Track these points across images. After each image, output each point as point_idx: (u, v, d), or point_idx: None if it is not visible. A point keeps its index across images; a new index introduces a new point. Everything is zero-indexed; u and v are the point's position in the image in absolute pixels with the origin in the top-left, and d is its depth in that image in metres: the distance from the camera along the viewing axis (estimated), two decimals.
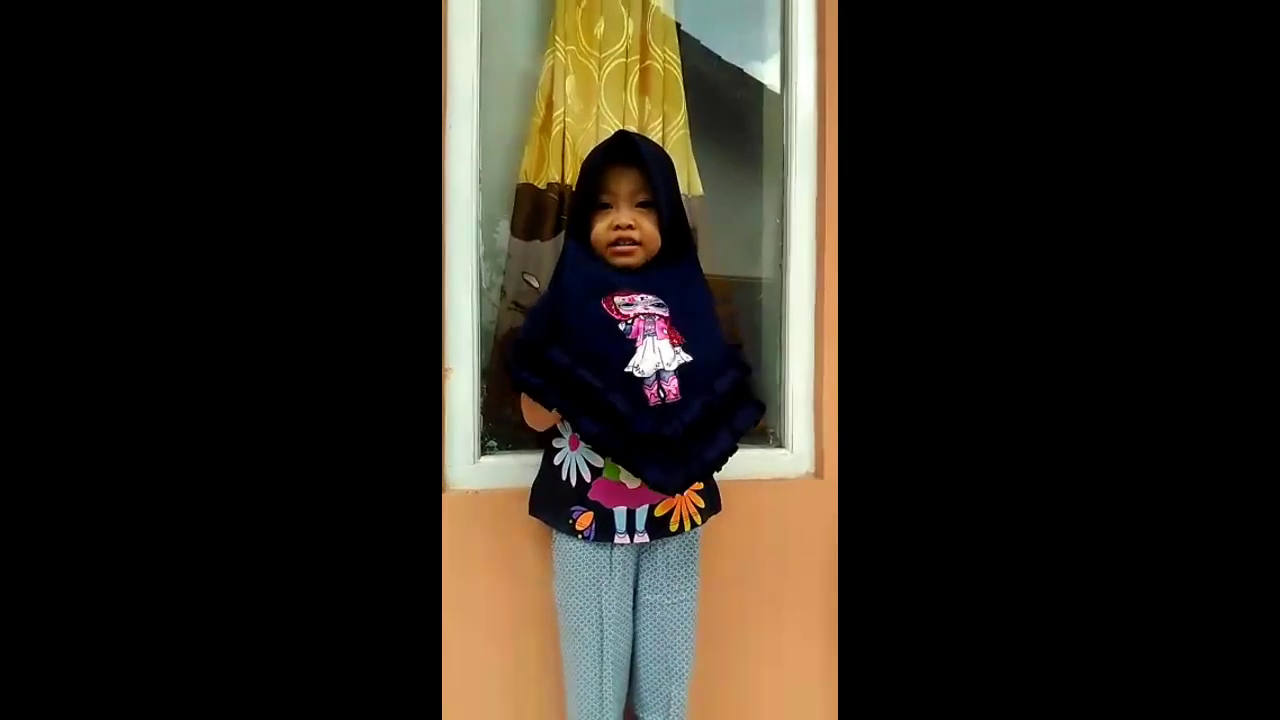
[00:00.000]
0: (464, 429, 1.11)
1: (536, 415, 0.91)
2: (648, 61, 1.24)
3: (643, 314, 0.87)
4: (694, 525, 0.95)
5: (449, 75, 1.10)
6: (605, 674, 0.93)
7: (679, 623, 0.97)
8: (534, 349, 0.86)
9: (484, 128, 1.14)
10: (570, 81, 1.19)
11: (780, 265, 1.32)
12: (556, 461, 0.95)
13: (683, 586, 0.97)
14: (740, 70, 1.42)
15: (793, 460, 1.29)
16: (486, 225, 1.17)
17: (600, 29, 1.21)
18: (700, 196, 1.27)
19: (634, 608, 0.96)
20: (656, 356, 0.84)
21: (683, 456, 0.83)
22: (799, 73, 1.30)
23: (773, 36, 1.36)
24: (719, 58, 1.41)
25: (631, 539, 0.91)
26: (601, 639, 0.92)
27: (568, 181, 1.17)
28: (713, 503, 0.99)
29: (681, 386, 0.83)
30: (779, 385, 1.31)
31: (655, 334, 0.85)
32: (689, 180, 1.25)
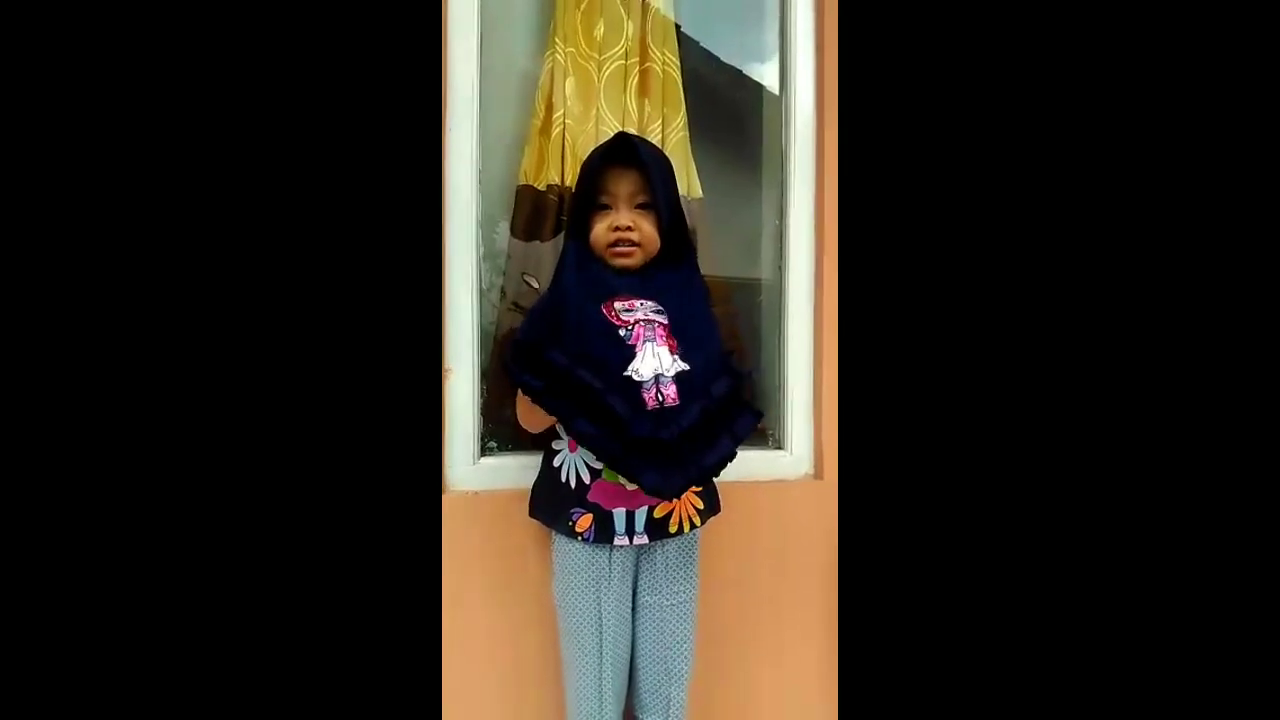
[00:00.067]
0: (464, 430, 1.11)
1: (533, 417, 0.91)
2: (647, 63, 1.24)
3: (642, 320, 0.87)
4: (693, 527, 0.95)
5: (449, 76, 1.10)
6: (604, 675, 0.93)
7: (678, 624, 0.97)
8: (533, 350, 0.86)
9: (484, 129, 1.14)
10: (570, 83, 1.20)
11: (780, 266, 1.32)
12: (556, 463, 0.95)
13: (682, 588, 0.97)
14: (739, 72, 1.43)
15: (792, 462, 1.29)
16: (486, 226, 1.17)
17: (600, 31, 1.21)
18: (700, 199, 1.27)
19: (633, 609, 0.96)
20: (655, 361, 0.84)
21: (679, 461, 0.83)
22: (798, 74, 1.30)
23: (772, 38, 1.36)
24: (718, 59, 1.41)
25: (631, 541, 0.91)
26: (601, 640, 0.92)
27: (567, 183, 1.17)
28: (712, 504, 0.99)
29: (680, 392, 0.84)
30: (778, 387, 1.31)
31: (655, 340, 0.86)
32: (688, 182, 1.25)
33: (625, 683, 0.97)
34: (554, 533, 0.97)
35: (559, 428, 0.94)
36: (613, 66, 1.22)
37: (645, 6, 1.25)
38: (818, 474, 1.29)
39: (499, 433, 1.16)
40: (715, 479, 0.96)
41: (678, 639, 0.97)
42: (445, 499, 1.08)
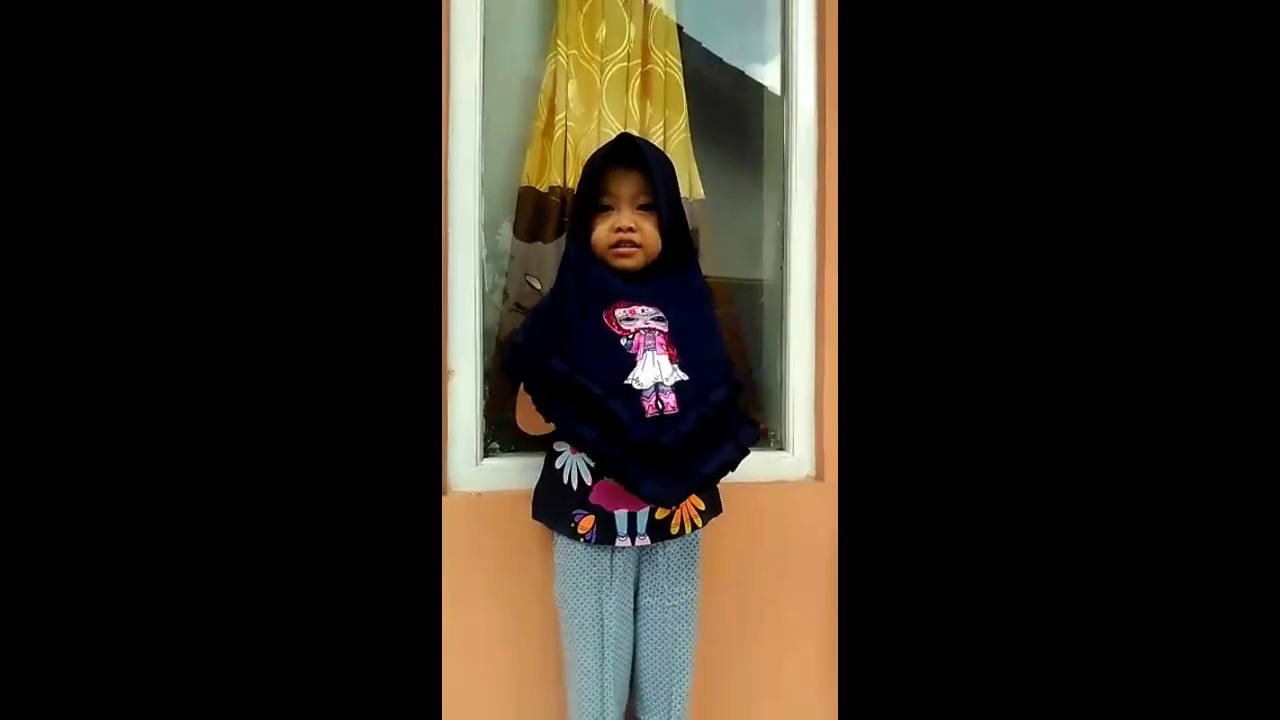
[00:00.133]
0: (466, 431, 1.11)
1: (534, 420, 0.91)
2: (649, 65, 1.25)
3: (643, 329, 0.88)
4: (695, 528, 0.95)
5: (452, 79, 1.11)
6: (606, 676, 0.93)
7: (680, 625, 0.97)
8: (532, 354, 0.87)
9: (486, 131, 1.14)
10: (572, 85, 1.20)
11: (781, 267, 1.32)
12: (558, 465, 0.95)
13: (684, 589, 0.97)
14: (741, 72, 1.43)
15: (793, 463, 1.29)
16: (489, 228, 1.17)
17: (602, 33, 1.22)
18: (701, 199, 1.27)
19: (635, 610, 0.96)
20: (655, 370, 0.85)
21: (680, 469, 0.83)
22: (799, 75, 1.31)
23: (773, 39, 1.36)
24: (720, 60, 1.41)
25: (633, 542, 0.91)
26: (602, 641, 0.93)
27: (569, 185, 1.17)
28: (713, 505, 0.99)
29: (679, 400, 0.84)
30: (780, 387, 1.32)
31: (654, 349, 0.87)
32: (690, 183, 1.25)
33: (627, 684, 0.97)
34: (556, 534, 0.97)
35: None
36: (615, 68, 1.22)
37: (647, 8, 1.25)
38: (819, 475, 1.29)
39: (501, 434, 1.16)
40: None
41: (679, 640, 0.97)
42: (447, 500, 1.08)
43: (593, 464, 0.91)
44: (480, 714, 1.09)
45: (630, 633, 0.96)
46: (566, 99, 1.19)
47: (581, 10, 1.21)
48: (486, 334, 1.15)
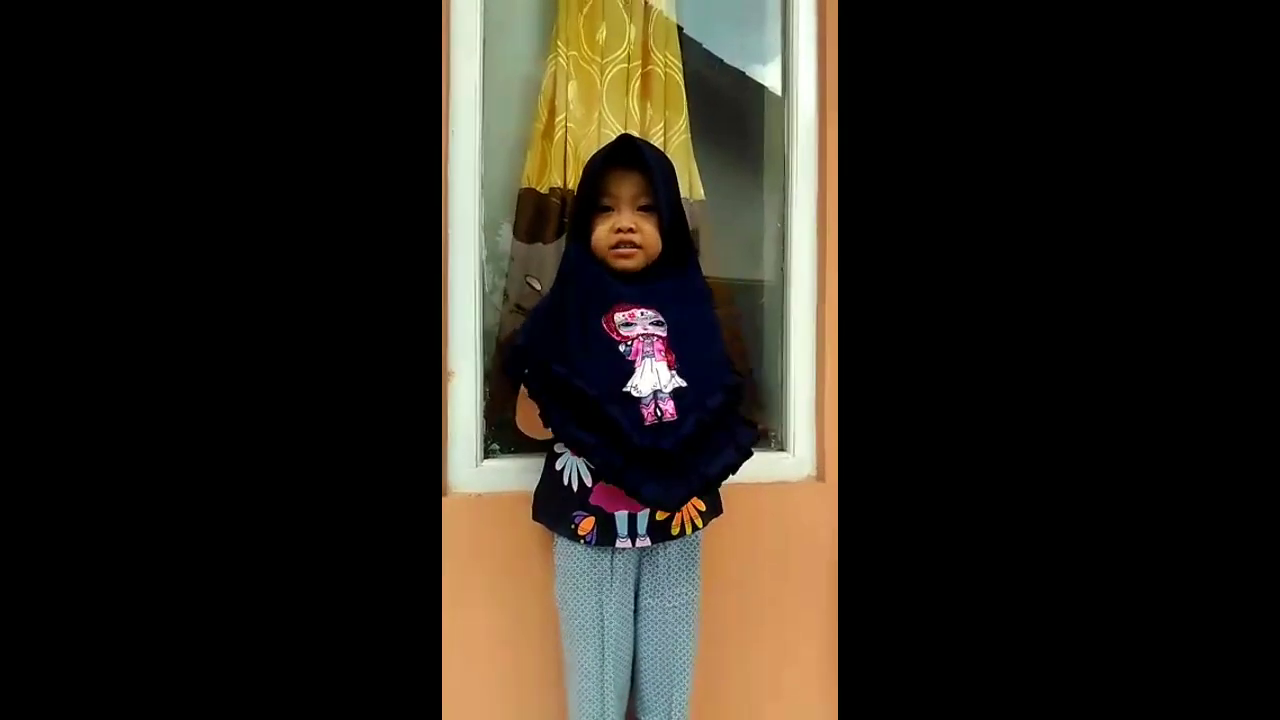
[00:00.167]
0: (466, 433, 1.11)
1: (534, 423, 0.91)
2: (649, 66, 1.25)
3: (641, 335, 0.88)
4: (695, 529, 0.95)
5: (452, 80, 1.11)
6: (606, 678, 0.93)
7: (680, 626, 0.97)
8: (531, 356, 0.88)
9: (486, 132, 1.14)
10: (572, 87, 1.20)
11: (782, 268, 1.32)
12: (558, 466, 0.95)
13: (684, 590, 0.97)
14: (742, 73, 1.43)
15: (794, 463, 1.29)
16: (489, 229, 1.17)
17: (602, 34, 1.22)
18: (702, 200, 1.27)
19: (635, 611, 0.96)
20: (654, 377, 0.85)
21: (680, 471, 0.83)
22: (800, 75, 1.31)
23: (774, 39, 1.36)
24: (720, 60, 1.41)
25: (633, 543, 0.91)
26: (603, 643, 0.93)
27: (570, 186, 1.17)
28: (714, 506, 0.99)
29: (677, 408, 0.84)
30: (780, 388, 1.31)
31: (653, 355, 0.87)
32: (691, 184, 1.25)
33: (627, 685, 0.97)
34: (556, 535, 0.97)
35: None
36: (615, 70, 1.22)
37: (647, 9, 1.25)
38: (820, 476, 1.29)
39: (501, 435, 1.16)
40: None
41: (680, 641, 0.97)
42: (447, 501, 1.08)
43: (593, 466, 0.91)
44: (480, 716, 1.09)
45: (630, 634, 0.95)
46: (567, 100, 1.19)
47: (582, 11, 1.21)
48: (487, 335, 1.15)
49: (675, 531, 0.93)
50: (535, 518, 1.01)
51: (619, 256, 0.92)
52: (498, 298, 1.21)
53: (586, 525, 0.91)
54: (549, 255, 1.18)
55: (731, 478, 0.90)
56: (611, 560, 0.93)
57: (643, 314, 0.90)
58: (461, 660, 1.05)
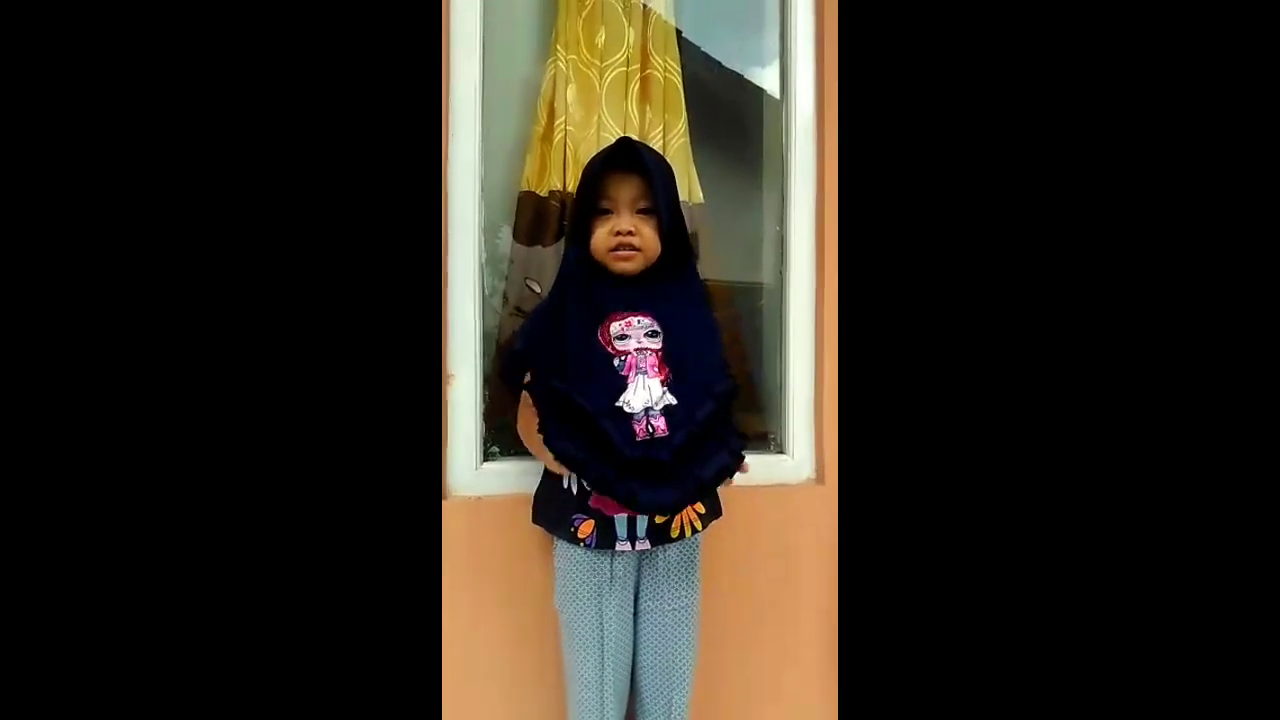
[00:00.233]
0: (466, 435, 1.11)
1: (534, 439, 0.91)
2: (648, 70, 1.25)
3: (636, 350, 0.89)
4: (695, 531, 0.95)
5: (452, 83, 1.11)
6: (606, 680, 0.93)
7: (680, 629, 0.97)
8: (528, 361, 0.90)
9: (486, 135, 1.14)
10: (571, 90, 1.20)
11: (781, 271, 1.32)
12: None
13: (684, 592, 0.97)
14: (740, 76, 1.43)
15: (794, 466, 1.29)
16: (489, 232, 1.17)
17: (601, 38, 1.22)
18: (701, 203, 1.27)
19: (635, 614, 0.96)
20: (646, 394, 0.86)
21: (674, 476, 0.83)
22: (798, 78, 1.31)
23: (772, 42, 1.37)
24: (719, 64, 1.41)
25: (633, 546, 0.91)
26: (602, 646, 0.92)
27: (569, 189, 1.17)
28: (713, 508, 0.99)
29: (669, 424, 0.85)
30: (780, 391, 1.32)
31: (646, 371, 0.88)
32: (690, 188, 1.26)
33: (627, 688, 0.97)
34: (555, 539, 0.97)
35: None
36: (614, 73, 1.22)
37: (646, 12, 1.26)
38: (819, 478, 1.29)
39: (501, 438, 1.16)
40: None
41: (679, 644, 0.97)
42: (446, 504, 1.08)
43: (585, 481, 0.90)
44: (480, 718, 1.09)
45: (630, 637, 0.95)
46: (566, 103, 1.19)
47: (581, 15, 1.21)
48: (486, 338, 1.15)
49: (675, 534, 0.93)
50: (535, 521, 1.00)
51: (618, 259, 0.92)
52: (497, 300, 1.21)
53: (586, 528, 0.91)
54: (548, 258, 1.18)
55: (732, 480, 0.91)
56: (611, 563, 0.93)
57: (639, 322, 0.91)
58: (461, 663, 1.05)
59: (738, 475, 0.90)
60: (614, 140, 0.95)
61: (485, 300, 1.15)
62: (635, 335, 0.90)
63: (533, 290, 1.19)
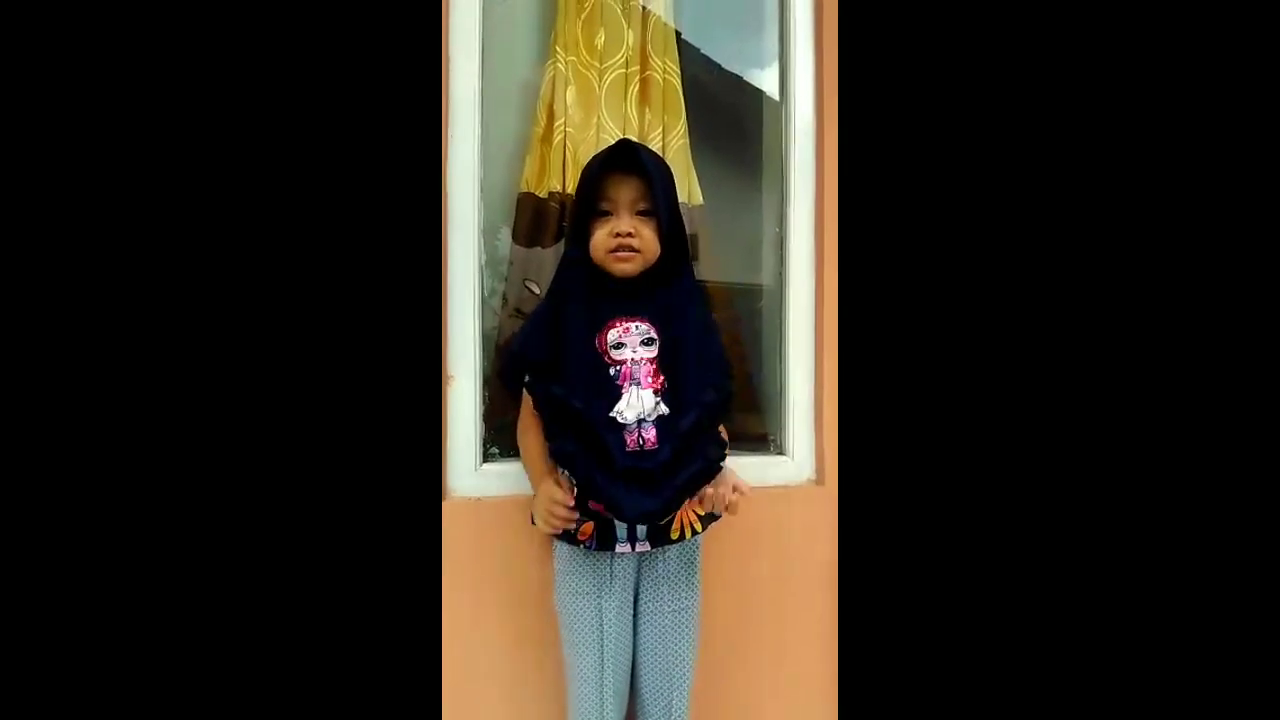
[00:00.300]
0: (465, 436, 1.11)
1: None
2: (648, 72, 1.25)
3: (631, 360, 0.90)
4: (695, 533, 0.95)
5: (451, 85, 1.11)
6: (606, 682, 0.93)
7: (680, 630, 0.96)
8: (525, 363, 0.91)
9: (486, 137, 1.14)
10: (571, 92, 1.20)
11: (780, 272, 1.32)
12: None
13: (684, 594, 0.97)
14: (740, 78, 1.43)
15: (794, 467, 1.29)
16: (488, 233, 1.17)
17: (601, 40, 1.22)
18: (700, 205, 1.28)
19: (635, 615, 0.96)
20: (639, 405, 0.88)
21: (659, 486, 0.86)
22: (798, 80, 1.31)
23: (772, 44, 1.37)
24: (719, 66, 1.42)
25: (633, 548, 0.91)
26: (602, 647, 0.92)
27: (568, 190, 1.17)
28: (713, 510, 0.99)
29: (659, 435, 0.87)
30: (779, 392, 1.32)
31: (640, 382, 0.89)
32: (689, 190, 1.26)
33: (626, 689, 0.97)
34: (555, 540, 0.97)
35: None
36: (613, 75, 1.23)
37: (646, 14, 1.26)
38: (819, 480, 1.29)
39: (500, 439, 1.16)
40: None
41: (679, 645, 0.96)
42: (446, 505, 1.08)
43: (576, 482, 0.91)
44: (480, 718, 1.09)
45: (630, 638, 0.95)
46: (565, 105, 1.19)
47: (580, 17, 1.21)
48: (486, 339, 1.15)
49: (675, 535, 0.93)
50: (534, 521, 1.00)
51: (618, 260, 0.92)
52: (497, 302, 1.21)
53: (586, 530, 0.91)
54: (547, 259, 1.18)
55: None
56: (611, 565, 0.93)
57: (636, 328, 0.92)
58: (461, 664, 1.04)
59: (739, 491, 0.91)
60: (613, 142, 0.95)
61: (485, 301, 1.16)
62: (631, 344, 0.91)
63: (532, 291, 1.19)
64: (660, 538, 0.92)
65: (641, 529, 0.91)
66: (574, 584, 0.94)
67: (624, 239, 0.91)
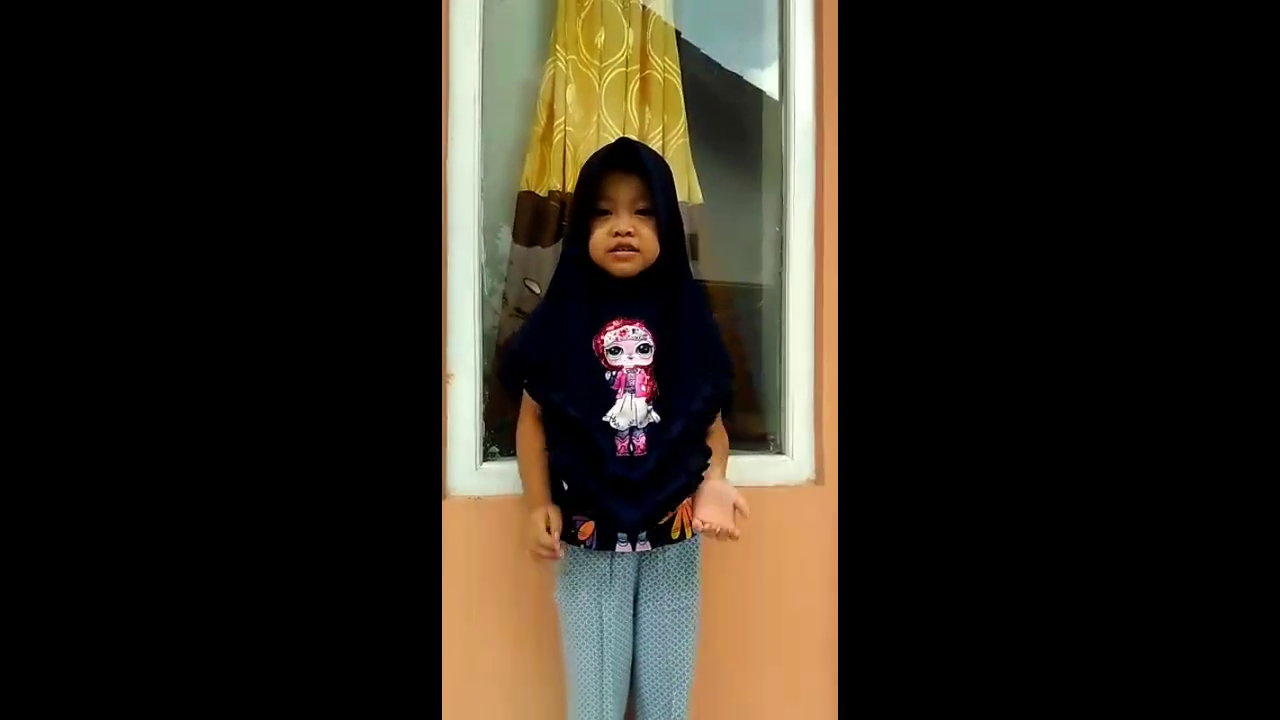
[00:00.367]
0: (466, 435, 1.11)
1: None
2: (648, 71, 1.25)
3: (626, 368, 0.91)
4: (695, 533, 0.95)
5: (451, 84, 1.11)
6: (605, 681, 0.93)
7: (680, 630, 0.96)
8: (524, 363, 0.93)
9: (486, 136, 1.15)
10: (571, 90, 1.20)
11: (780, 272, 1.32)
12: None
13: (684, 593, 0.97)
14: (739, 78, 1.43)
15: (793, 467, 1.29)
16: (488, 232, 1.17)
17: (601, 39, 1.22)
18: (700, 204, 1.28)
19: (635, 615, 0.96)
20: (632, 413, 0.90)
21: (644, 495, 0.87)
22: (797, 80, 1.31)
23: (772, 44, 1.37)
24: (718, 65, 1.42)
25: (633, 547, 0.91)
26: (602, 646, 0.92)
27: (568, 189, 1.17)
28: None
29: (649, 443, 0.89)
30: (779, 392, 1.32)
31: (635, 389, 0.91)
32: (689, 189, 1.26)
33: (626, 688, 0.97)
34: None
35: None
36: (613, 74, 1.23)
37: (646, 14, 1.26)
38: (819, 479, 1.29)
39: (500, 438, 1.16)
40: None
41: (679, 645, 0.96)
42: (446, 504, 1.08)
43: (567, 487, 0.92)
44: (480, 718, 1.09)
45: (630, 638, 0.95)
46: (565, 104, 1.19)
47: (580, 16, 1.21)
48: (486, 338, 1.15)
49: (675, 535, 0.93)
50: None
51: (617, 259, 0.92)
52: (497, 301, 1.21)
53: (586, 530, 0.91)
54: (547, 258, 1.18)
55: (732, 481, 0.91)
56: (611, 564, 0.93)
57: (633, 332, 0.92)
58: (461, 663, 1.04)
59: (739, 510, 0.91)
60: (613, 140, 0.95)
61: (485, 300, 1.15)
62: (628, 349, 0.92)
63: (532, 290, 1.19)
64: (660, 537, 0.92)
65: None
66: (574, 583, 0.94)
67: (623, 238, 0.91)
